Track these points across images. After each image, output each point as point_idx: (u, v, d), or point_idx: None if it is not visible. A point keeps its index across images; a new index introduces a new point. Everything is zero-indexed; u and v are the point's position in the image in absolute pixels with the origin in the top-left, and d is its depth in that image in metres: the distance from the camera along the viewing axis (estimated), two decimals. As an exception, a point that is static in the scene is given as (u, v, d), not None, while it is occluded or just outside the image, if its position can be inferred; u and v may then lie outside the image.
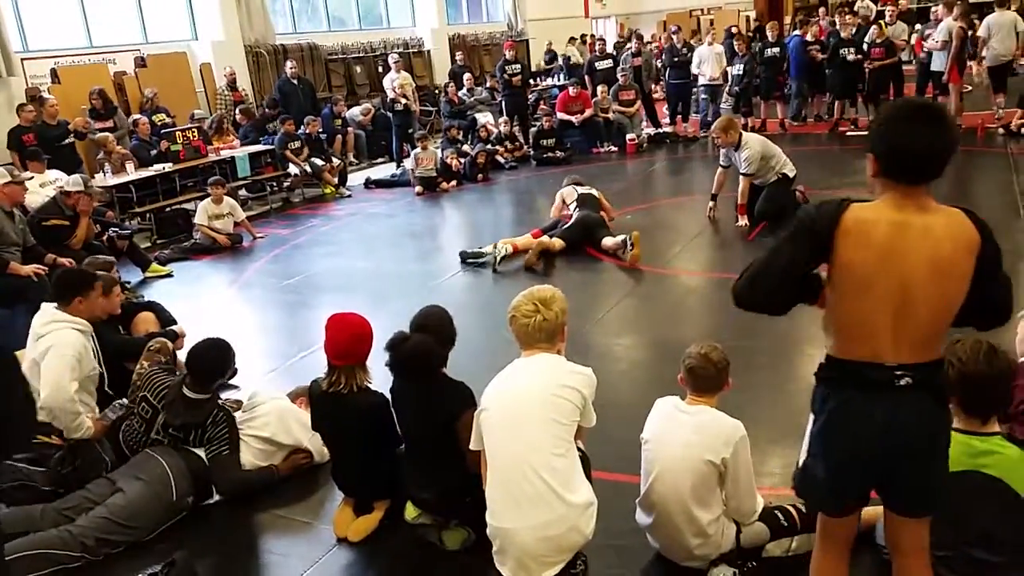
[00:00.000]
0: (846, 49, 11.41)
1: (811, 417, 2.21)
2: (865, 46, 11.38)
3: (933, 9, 11.72)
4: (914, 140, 1.94)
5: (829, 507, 2.25)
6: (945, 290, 1.98)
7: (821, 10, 18.16)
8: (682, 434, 2.77)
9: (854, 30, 11.86)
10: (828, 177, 8.95)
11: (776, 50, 12.07)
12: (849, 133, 11.49)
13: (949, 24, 10.83)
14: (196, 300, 6.69)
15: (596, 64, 13.09)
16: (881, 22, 12.55)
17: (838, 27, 12.77)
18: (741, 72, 12.19)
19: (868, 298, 2.00)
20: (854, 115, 11.80)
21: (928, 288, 1.96)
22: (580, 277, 6.59)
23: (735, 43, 12.54)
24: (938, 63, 11.07)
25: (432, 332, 3.12)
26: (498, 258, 6.83)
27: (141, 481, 3.39)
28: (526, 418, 2.59)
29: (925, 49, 11.41)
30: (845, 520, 2.26)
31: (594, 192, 7.57)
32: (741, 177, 7.43)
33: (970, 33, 11.05)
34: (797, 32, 12.64)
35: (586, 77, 13.10)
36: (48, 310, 3.81)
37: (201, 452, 3.55)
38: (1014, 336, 3.00)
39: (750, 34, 15.35)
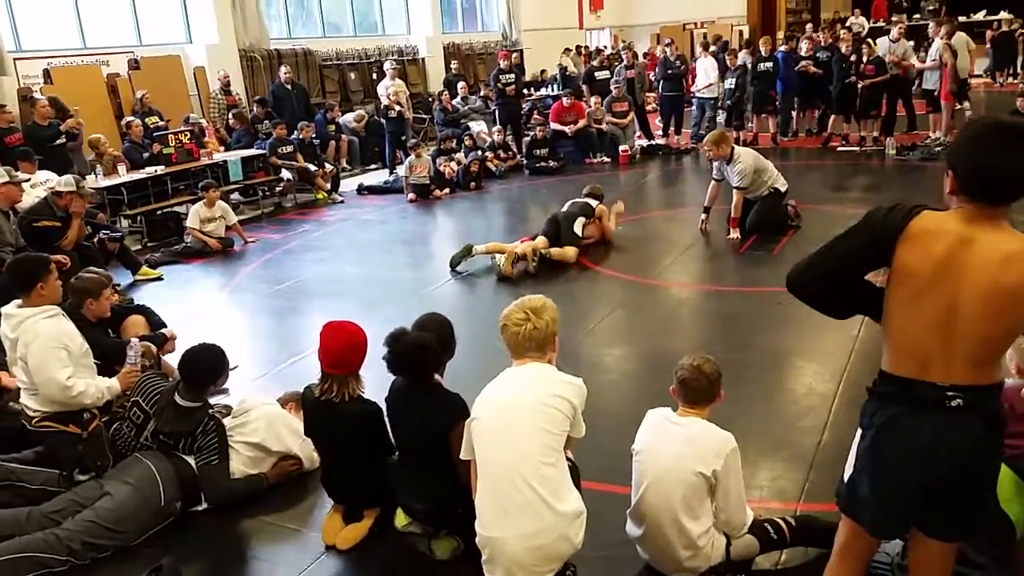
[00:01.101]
0: (840, 65, 11.49)
1: (859, 432, 2.16)
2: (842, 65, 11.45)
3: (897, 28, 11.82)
4: (1000, 160, 1.89)
5: (879, 529, 2.19)
6: (1000, 316, 1.91)
7: (808, 26, 18.28)
8: (673, 445, 2.78)
9: (849, 47, 11.93)
10: (819, 192, 9.02)
11: (769, 65, 12.14)
12: (840, 148, 11.56)
13: (940, 43, 10.94)
14: (186, 304, 6.66)
15: (596, 74, 13.17)
16: (870, 40, 12.64)
17: (822, 43, 12.84)
18: (733, 86, 12.27)
19: (919, 311, 1.97)
20: (846, 130, 11.88)
21: (981, 309, 1.90)
22: (572, 287, 6.60)
23: (727, 57, 12.63)
24: (931, 81, 11.19)
25: (446, 343, 3.16)
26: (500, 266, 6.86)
27: (129, 485, 3.37)
28: (516, 427, 2.59)
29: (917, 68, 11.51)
30: (869, 539, 2.22)
31: (591, 202, 7.59)
32: (734, 191, 7.47)
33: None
34: (783, 47, 12.71)
35: (584, 86, 13.16)
36: (11, 311, 3.68)
37: (191, 459, 3.53)
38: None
39: (735, 48, 15.41)
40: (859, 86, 11.32)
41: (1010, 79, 17.64)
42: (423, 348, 3.01)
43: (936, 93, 11.16)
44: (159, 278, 7.52)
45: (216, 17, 12.26)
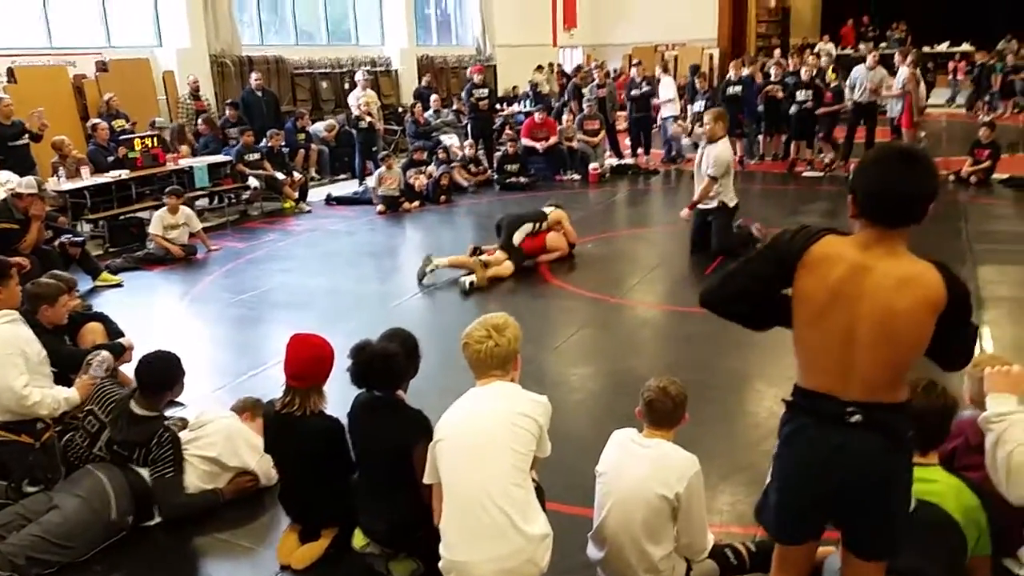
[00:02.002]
0: (803, 91, 11.70)
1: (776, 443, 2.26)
2: (810, 91, 11.67)
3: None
4: (892, 184, 1.96)
5: (782, 534, 2.29)
6: (894, 341, 1.99)
7: (777, 51, 18.61)
8: (637, 467, 2.77)
9: (814, 72, 12.16)
10: (782, 216, 9.12)
11: (738, 88, 12.31)
12: (805, 173, 11.74)
13: (906, 72, 11.19)
14: (146, 312, 6.54)
15: (583, 90, 13.30)
16: (831, 67, 12.86)
17: (790, 68, 13.08)
18: (703, 109, 12.40)
19: (819, 331, 2.05)
20: (810, 155, 12.07)
21: (876, 334, 1.98)
22: (538, 305, 6.60)
23: (697, 80, 12.80)
24: (894, 110, 11.43)
25: (409, 355, 3.12)
26: (466, 285, 6.82)
27: (79, 498, 3.28)
28: (484, 447, 2.56)
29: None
30: (800, 551, 2.28)
31: (545, 210, 7.63)
32: (704, 178, 7.43)
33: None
34: (746, 72, 12.92)
35: (572, 103, 13.28)
36: None
37: (144, 472, 3.45)
38: (961, 380, 3.06)
39: (705, 71, 15.61)
40: (816, 113, 11.53)
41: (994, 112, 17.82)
42: (388, 359, 2.98)
43: (897, 121, 11.41)
44: (119, 284, 7.37)
45: (188, 21, 12.13)
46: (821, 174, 11.56)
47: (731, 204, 7.49)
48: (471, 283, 6.80)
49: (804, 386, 2.14)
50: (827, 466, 2.08)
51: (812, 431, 2.11)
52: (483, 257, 7.10)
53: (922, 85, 11.45)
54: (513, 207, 9.63)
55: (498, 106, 15.57)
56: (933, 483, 2.37)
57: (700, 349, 5.45)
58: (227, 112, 11.53)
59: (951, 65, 20.14)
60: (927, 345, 2.01)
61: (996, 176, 10.60)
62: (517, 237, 7.27)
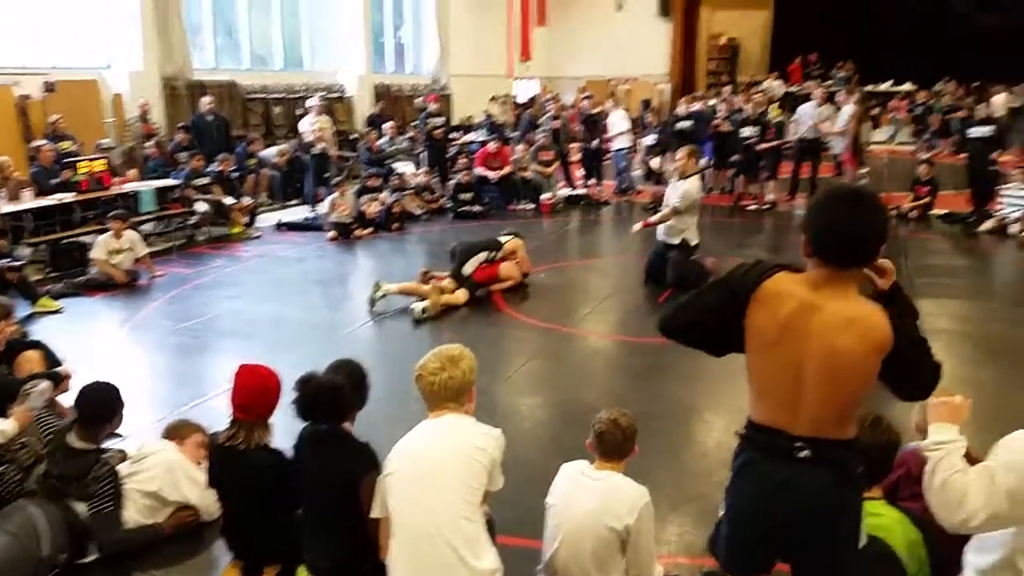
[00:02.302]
0: (749, 128, 12.00)
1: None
2: (756, 128, 11.97)
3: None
4: (842, 224, 2.01)
5: (733, 566, 2.30)
6: (839, 379, 2.03)
7: (727, 88, 19.04)
8: (587, 500, 2.77)
9: (761, 110, 12.49)
10: (728, 248, 9.26)
11: (688, 123, 12.55)
12: (751, 207, 11.98)
13: (850, 110, 11.54)
14: (86, 340, 6.37)
15: (538, 120, 13.59)
16: (774, 105, 13.21)
17: (736, 105, 13.42)
18: (654, 142, 12.64)
19: (769, 364, 2.10)
20: (756, 190, 12.34)
21: (823, 372, 2.02)
22: (490, 333, 6.59)
23: (648, 115, 13.04)
24: (838, 147, 11.77)
25: (358, 386, 3.07)
26: (419, 311, 6.78)
27: (8, 535, 3.15)
28: (434, 481, 2.53)
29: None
30: None
31: (501, 239, 7.67)
32: (668, 208, 7.52)
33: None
34: (696, 107, 13.22)
35: (528, 135, 13.70)
36: None
37: (81, 506, 3.33)
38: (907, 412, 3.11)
39: (656, 106, 15.89)
40: (758, 148, 11.83)
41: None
42: (334, 391, 2.93)
43: (840, 158, 11.75)
44: (59, 311, 7.16)
45: (139, 44, 11.96)
46: (766, 208, 11.81)
47: (692, 243, 7.60)
48: (423, 310, 6.77)
49: (755, 419, 2.17)
50: (776, 500, 2.11)
51: (762, 465, 2.14)
52: (434, 284, 7.08)
53: (867, 124, 11.81)
54: (466, 235, 9.64)
55: (453, 135, 15.64)
56: (878, 517, 2.41)
57: (650, 380, 5.49)
58: (178, 136, 11.36)
59: (893, 104, 20.85)
60: (871, 384, 2.05)
61: (934, 212, 10.96)
62: (469, 267, 7.27)
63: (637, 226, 7.84)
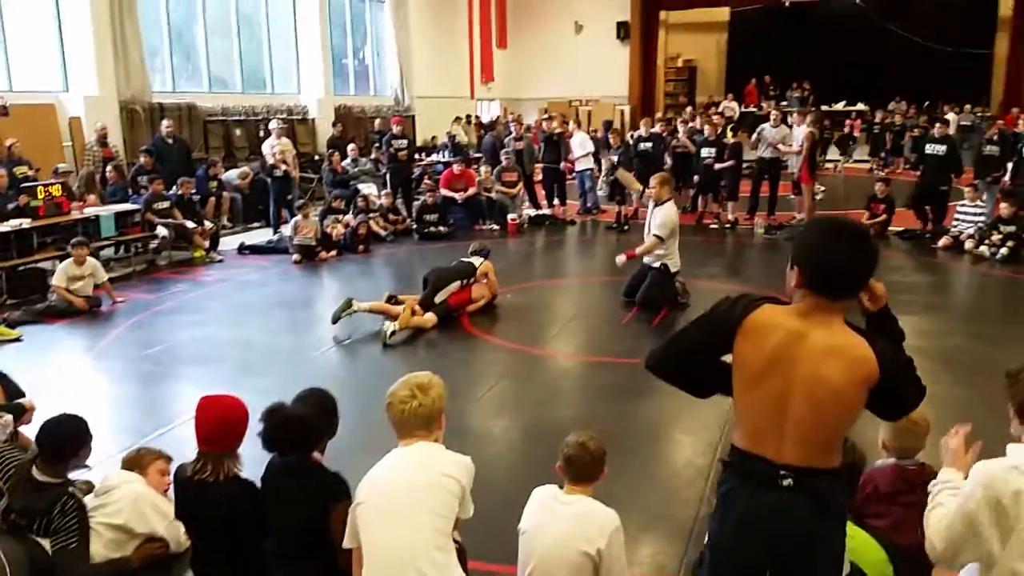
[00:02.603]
0: (707, 148, 12.22)
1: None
2: (713, 148, 12.20)
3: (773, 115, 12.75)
4: (839, 260, 2.05)
5: None
6: (823, 408, 2.05)
7: (688, 109, 19.37)
8: (559, 525, 2.78)
9: (719, 131, 12.72)
10: (692, 267, 9.33)
11: (649, 144, 12.74)
12: (712, 226, 12.17)
13: (804, 131, 11.81)
14: (47, 369, 6.23)
15: (504, 140, 13.73)
16: (728, 127, 13.48)
17: (697, 127, 13.65)
18: (616, 162, 12.78)
19: (756, 396, 2.11)
20: (716, 209, 12.55)
21: (807, 400, 2.05)
22: (459, 356, 6.59)
23: (610, 136, 13.21)
24: (794, 166, 12.02)
25: (328, 415, 3.04)
26: (387, 334, 6.75)
27: (-31, 573, 3.06)
28: (406, 510, 2.52)
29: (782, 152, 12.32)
30: None
31: (475, 262, 7.69)
32: (651, 239, 7.61)
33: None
34: (656, 128, 13.44)
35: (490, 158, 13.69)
36: None
37: (46, 542, 3.25)
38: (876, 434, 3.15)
39: (618, 127, 16.11)
40: (715, 168, 12.05)
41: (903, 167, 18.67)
42: (301, 422, 2.91)
43: (797, 177, 12.00)
44: (18, 339, 7.01)
45: (96, 67, 11.81)
46: (727, 227, 12.00)
47: (673, 268, 7.68)
48: (392, 332, 6.75)
49: (740, 447, 2.18)
50: (758, 528, 2.12)
51: (745, 492, 2.15)
52: (407, 302, 7.07)
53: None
54: (433, 257, 9.66)
55: (417, 156, 15.67)
56: (847, 538, 2.44)
57: (618, 399, 5.53)
58: (141, 159, 11.22)
59: (847, 123, 21.35)
60: (856, 414, 2.08)
61: (892, 229, 11.23)
62: (441, 296, 7.26)
63: (621, 258, 7.84)
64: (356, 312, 7.02)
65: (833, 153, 19.59)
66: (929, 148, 11.20)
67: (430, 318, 7.10)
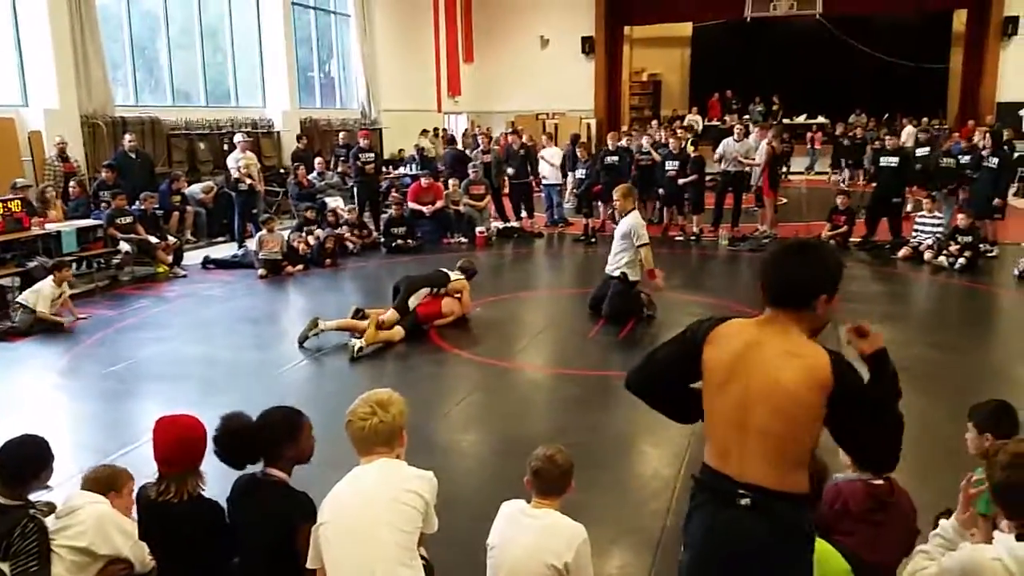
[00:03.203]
0: (671, 162, 12.38)
1: None
2: (676, 161, 12.37)
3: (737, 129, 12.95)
4: (786, 271, 2.17)
5: None
6: (782, 414, 2.07)
7: (654, 123, 19.59)
8: (526, 539, 2.78)
9: (684, 144, 12.89)
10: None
11: (615, 158, 12.85)
12: (678, 238, 12.31)
13: (765, 145, 12.01)
14: (8, 387, 6.14)
15: (470, 152, 13.81)
16: (690, 141, 13.67)
17: (663, 140, 13.83)
18: (584, 175, 12.89)
19: (721, 405, 2.16)
20: (682, 222, 12.69)
21: (765, 406, 2.08)
22: (428, 370, 6.57)
23: (577, 150, 13.32)
24: (757, 179, 12.23)
25: (269, 427, 2.99)
26: (355, 350, 6.72)
27: (-76, 599, 2.98)
28: (369, 528, 2.50)
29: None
30: None
31: (451, 274, 7.71)
32: (622, 243, 7.69)
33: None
34: (623, 142, 13.61)
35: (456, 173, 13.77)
36: None
37: (5, 566, 3.17)
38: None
39: (585, 141, 16.25)
40: (680, 182, 12.21)
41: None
42: (245, 432, 2.92)
43: (757, 189, 12.20)
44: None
45: (56, 81, 11.63)
46: (692, 239, 12.15)
47: (632, 278, 7.70)
48: (359, 348, 6.71)
49: (707, 462, 2.23)
50: (716, 547, 2.15)
51: (708, 510, 2.19)
52: (373, 316, 7.05)
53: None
54: (400, 270, 9.63)
55: (384, 169, 15.65)
56: None
57: (587, 412, 5.56)
58: (103, 174, 11.06)
59: (808, 135, 21.73)
60: (815, 427, 2.10)
61: (852, 240, 11.44)
62: (414, 301, 7.25)
63: (660, 282, 7.81)
64: (323, 331, 6.98)
65: (796, 165, 19.94)
66: (883, 160, 11.48)
67: (398, 331, 7.08)
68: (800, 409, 2.07)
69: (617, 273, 7.72)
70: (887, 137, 12.13)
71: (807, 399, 2.06)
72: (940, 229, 10.54)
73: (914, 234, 10.79)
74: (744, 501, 2.09)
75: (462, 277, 7.79)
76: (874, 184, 11.93)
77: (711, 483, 2.19)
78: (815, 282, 2.14)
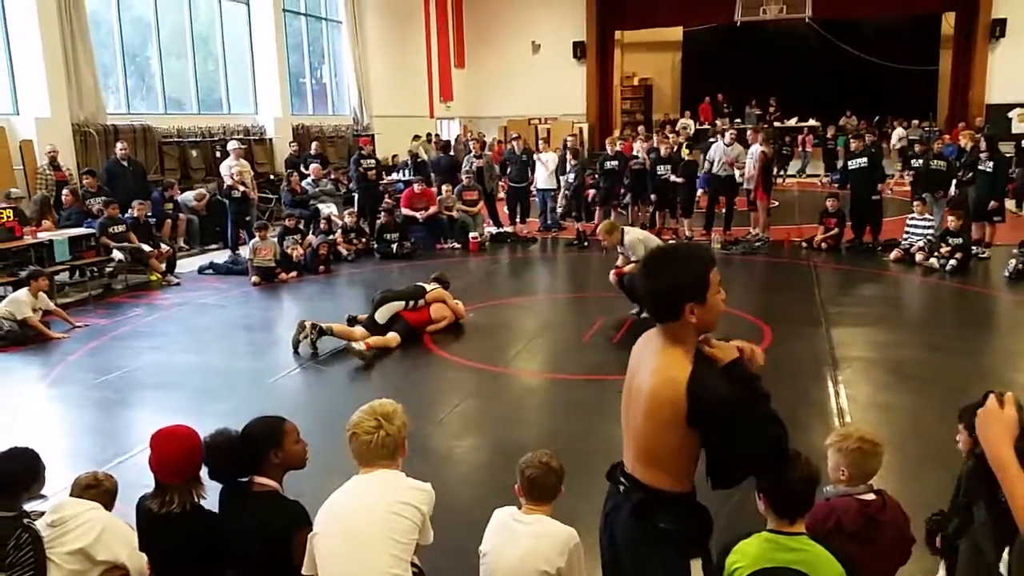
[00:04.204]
0: (663, 166, 12.43)
1: None
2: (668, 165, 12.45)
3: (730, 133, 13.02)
4: (643, 288, 2.26)
5: None
6: (650, 416, 2.18)
7: (640, 128, 19.68)
8: (518, 545, 2.78)
9: (675, 148, 12.95)
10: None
11: (615, 163, 12.91)
12: (670, 241, 12.34)
13: (758, 149, 12.06)
14: (1, 397, 6.09)
15: (463, 157, 13.97)
16: (684, 145, 13.75)
17: (655, 144, 13.89)
18: (574, 179, 12.94)
19: (623, 405, 2.39)
20: (674, 224, 12.73)
21: (635, 410, 2.26)
22: (421, 375, 6.58)
23: (568, 154, 13.37)
24: (749, 182, 12.27)
25: (252, 438, 2.99)
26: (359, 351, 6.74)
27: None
28: (363, 538, 2.50)
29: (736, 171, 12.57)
30: None
31: (426, 286, 7.73)
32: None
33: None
34: (620, 147, 13.68)
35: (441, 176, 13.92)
36: None
37: (0, 578, 3.17)
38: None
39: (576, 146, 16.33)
40: (671, 181, 12.28)
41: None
42: (218, 449, 2.93)
43: (752, 195, 12.25)
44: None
45: (48, 89, 11.61)
46: (685, 241, 12.20)
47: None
48: (361, 349, 6.74)
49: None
50: (607, 525, 2.41)
51: (609, 491, 2.44)
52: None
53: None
54: (395, 276, 9.64)
55: (383, 176, 15.67)
56: (802, 552, 2.47)
57: (582, 417, 5.57)
58: (85, 181, 11.04)
59: (800, 138, 21.82)
60: (676, 438, 2.15)
61: (844, 242, 11.49)
62: (382, 315, 7.26)
63: (612, 276, 8.03)
64: (314, 329, 6.97)
65: (791, 168, 20.09)
66: (852, 163, 11.67)
67: (393, 337, 7.09)
68: (658, 420, 2.17)
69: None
70: (853, 141, 12.28)
71: (663, 414, 2.14)
72: (931, 231, 10.60)
73: (905, 235, 10.84)
74: (621, 487, 2.34)
75: (438, 287, 7.82)
76: (847, 187, 12.05)
77: (612, 471, 2.44)
78: (674, 295, 2.16)
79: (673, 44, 26.90)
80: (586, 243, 12.29)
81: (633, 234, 7.96)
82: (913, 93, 23.38)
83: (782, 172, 13.36)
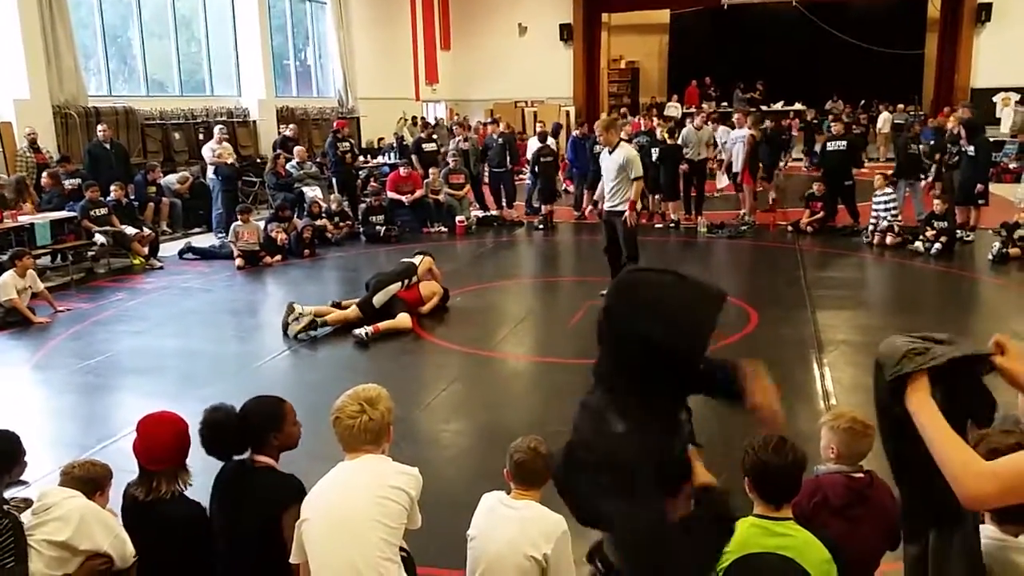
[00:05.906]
0: (654, 149, 12.40)
1: None
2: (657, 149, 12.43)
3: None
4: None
5: None
6: None
7: (623, 109, 19.62)
8: (507, 530, 2.78)
9: (657, 132, 12.93)
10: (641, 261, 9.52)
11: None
12: (658, 225, 12.35)
13: (745, 132, 12.07)
14: (-20, 382, 6.04)
15: (424, 145, 13.84)
16: (668, 129, 13.74)
17: (643, 128, 13.87)
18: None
19: None
20: (662, 208, 12.73)
21: None
22: (409, 360, 6.56)
23: (550, 138, 13.34)
24: (737, 165, 12.27)
25: (253, 417, 2.97)
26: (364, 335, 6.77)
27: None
28: (352, 524, 2.50)
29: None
30: None
31: (414, 261, 7.71)
32: (619, 177, 7.63)
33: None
34: (575, 132, 13.67)
35: (413, 156, 13.81)
36: None
37: (-19, 565, 3.14)
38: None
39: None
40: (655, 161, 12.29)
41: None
42: (215, 427, 2.90)
43: (739, 178, 12.26)
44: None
45: (27, 70, 11.42)
46: (672, 226, 12.20)
47: (620, 209, 7.67)
48: (367, 333, 6.75)
49: None
50: None
51: None
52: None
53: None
54: (381, 259, 9.59)
55: (361, 158, 15.56)
56: (788, 537, 2.47)
57: (569, 401, 5.53)
58: (61, 169, 10.87)
59: (786, 122, 21.81)
60: None
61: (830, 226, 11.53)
62: (380, 298, 7.23)
63: (631, 215, 7.72)
64: (302, 316, 6.93)
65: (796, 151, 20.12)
66: (831, 145, 11.76)
67: (403, 319, 7.07)
68: None
69: (621, 208, 7.68)
70: (833, 124, 12.40)
71: None
72: (893, 205, 10.59)
73: (872, 216, 10.82)
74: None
75: (423, 256, 7.84)
76: (822, 169, 12.10)
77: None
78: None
79: (660, 27, 26.79)
80: (551, 225, 12.45)
81: (630, 149, 7.82)
82: (899, 77, 23.40)
83: (784, 156, 13.38)
